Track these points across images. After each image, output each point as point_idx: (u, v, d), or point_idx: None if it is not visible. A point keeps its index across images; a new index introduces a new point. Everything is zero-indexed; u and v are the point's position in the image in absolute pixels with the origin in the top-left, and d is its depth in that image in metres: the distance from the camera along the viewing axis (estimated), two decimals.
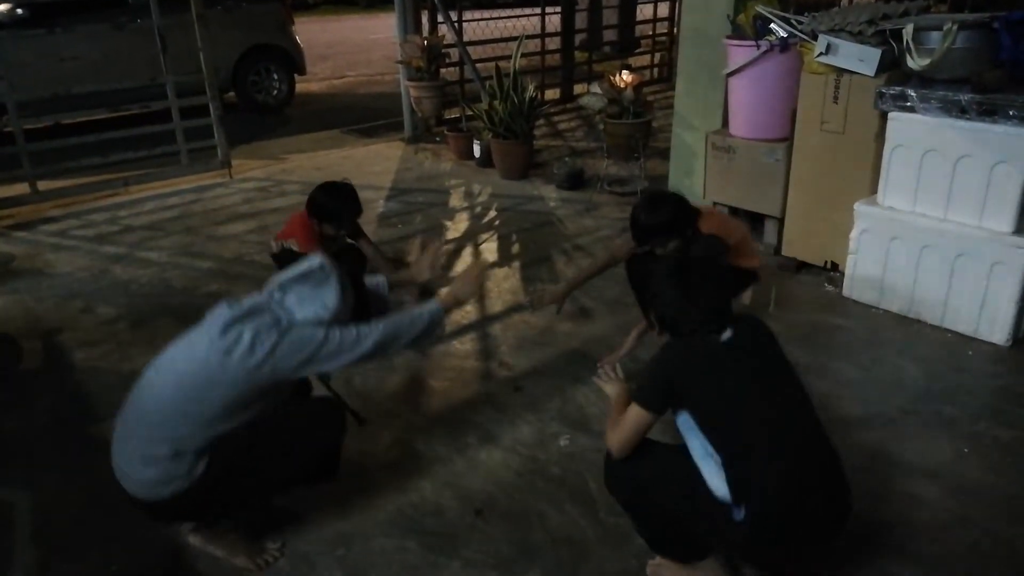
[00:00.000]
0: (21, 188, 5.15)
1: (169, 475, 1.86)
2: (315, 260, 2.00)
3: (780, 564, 1.89)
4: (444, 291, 2.09)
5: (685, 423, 1.80)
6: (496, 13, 7.87)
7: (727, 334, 1.80)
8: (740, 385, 1.75)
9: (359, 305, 2.15)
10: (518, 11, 8.03)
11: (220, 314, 1.92)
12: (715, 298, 1.85)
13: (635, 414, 1.81)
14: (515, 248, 4.38)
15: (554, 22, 8.06)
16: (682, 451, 1.81)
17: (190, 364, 1.88)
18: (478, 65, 6.61)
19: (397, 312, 2.15)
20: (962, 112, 3.02)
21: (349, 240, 3.62)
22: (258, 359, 1.85)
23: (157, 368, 1.94)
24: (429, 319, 2.15)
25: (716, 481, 1.73)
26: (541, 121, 7.05)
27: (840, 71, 3.42)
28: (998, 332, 3.08)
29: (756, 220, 4.18)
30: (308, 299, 1.94)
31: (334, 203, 3.33)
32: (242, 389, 1.87)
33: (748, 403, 1.73)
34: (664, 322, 1.91)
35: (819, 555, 1.89)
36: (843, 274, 3.54)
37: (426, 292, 3.50)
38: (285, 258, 3.33)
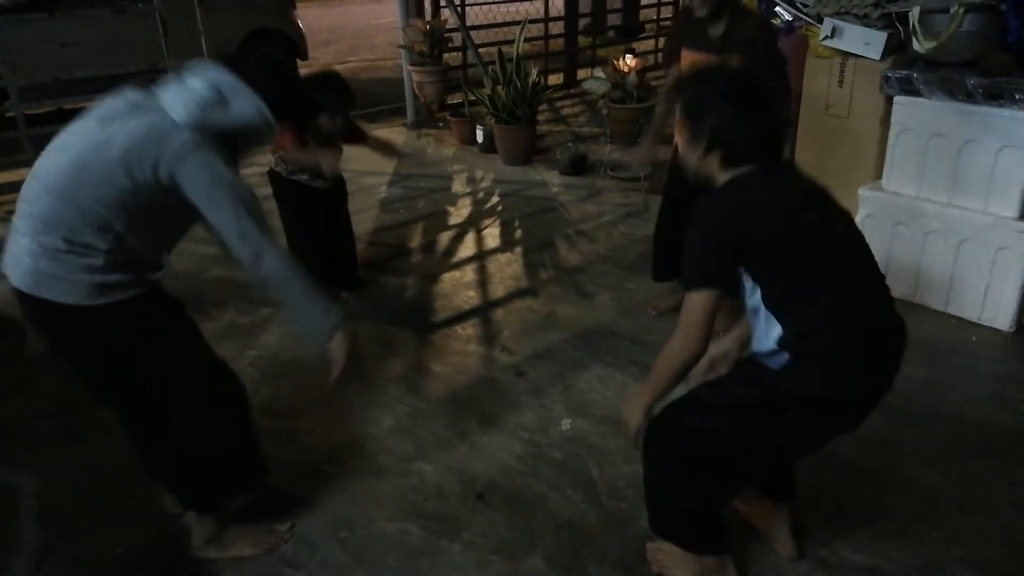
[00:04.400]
0: (23, 173, 5.13)
1: (70, 269, 1.67)
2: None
3: (820, 423, 1.70)
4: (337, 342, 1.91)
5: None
6: None
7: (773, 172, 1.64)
8: (800, 218, 1.59)
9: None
10: None
11: (124, 100, 1.80)
12: (774, 125, 1.70)
13: (699, 301, 1.58)
14: (518, 234, 4.37)
15: (557, 6, 8.00)
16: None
17: (83, 139, 1.76)
18: (481, 50, 6.57)
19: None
20: (968, 96, 3.00)
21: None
22: (152, 147, 1.68)
23: (53, 147, 1.82)
24: (313, 317, 1.85)
25: (762, 337, 1.63)
26: (544, 106, 7.02)
27: (845, 55, 3.40)
28: (1002, 318, 3.07)
29: None
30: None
31: (320, 93, 3.04)
32: (129, 178, 1.66)
33: (808, 236, 1.59)
34: (717, 144, 1.64)
35: (857, 417, 1.73)
36: None
37: None
38: (280, 182, 3.28)
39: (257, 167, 3.39)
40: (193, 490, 2.03)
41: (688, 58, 2.92)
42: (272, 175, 3.28)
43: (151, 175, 1.68)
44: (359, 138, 3.39)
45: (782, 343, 1.60)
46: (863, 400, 1.68)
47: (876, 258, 1.70)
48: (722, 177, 1.67)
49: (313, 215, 3.28)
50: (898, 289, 3.35)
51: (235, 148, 1.82)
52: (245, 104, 1.76)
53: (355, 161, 3.51)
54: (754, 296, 1.64)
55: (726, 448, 1.74)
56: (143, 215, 1.73)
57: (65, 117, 6.20)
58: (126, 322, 1.77)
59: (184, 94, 1.76)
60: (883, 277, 1.71)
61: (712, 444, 1.73)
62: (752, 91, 1.69)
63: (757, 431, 1.70)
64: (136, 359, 1.80)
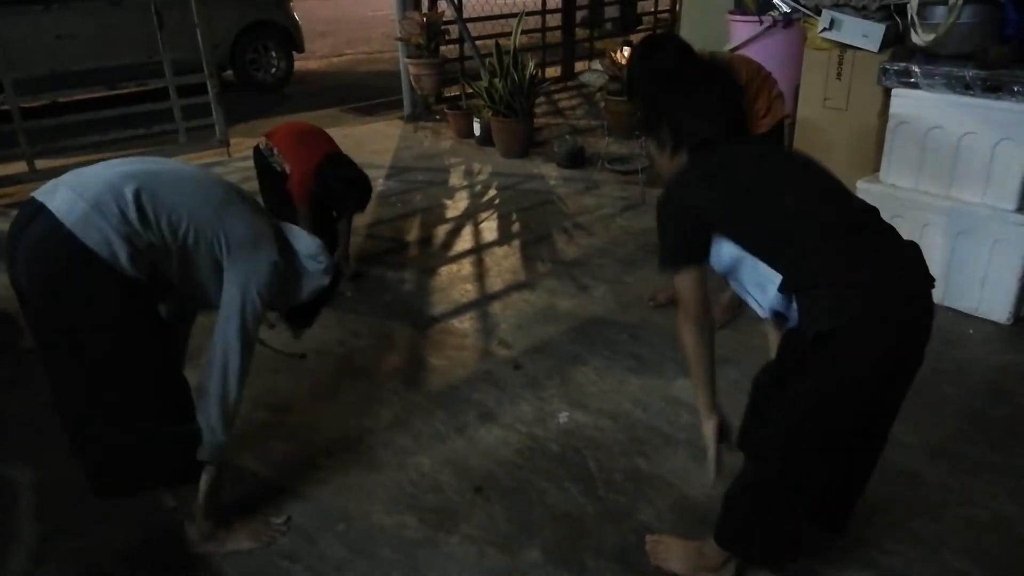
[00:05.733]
0: (19, 166, 5.12)
1: (117, 232, 1.72)
2: (323, 259, 2.09)
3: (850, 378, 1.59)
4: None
5: (725, 253, 1.64)
6: None
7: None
8: (768, 175, 1.62)
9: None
10: None
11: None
12: (730, 104, 1.70)
13: (685, 280, 1.66)
14: (515, 227, 4.36)
15: None
16: None
17: (218, 179, 1.98)
18: (478, 42, 6.55)
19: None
20: (967, 88, 2.99)
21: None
22: (249, 236, 1.90)
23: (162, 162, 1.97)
24: (211, 428, 1.92)
25: (764, 293, 1.61)
26: (541, 99, 7.00)
27: (844, 47, 3.39)
28: (999, 310, 3.08)
29: None
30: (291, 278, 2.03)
31: (346, 194, 3.33)
32: (216, 227, 1.85)
33: (783, 190, 1.60)
34: (675, 134, 1.70)
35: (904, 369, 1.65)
36: None
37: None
38: (263, 164, 3.37)
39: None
40: (103, 473, 1.97)
41: None
42: (256, 152, 3.39)
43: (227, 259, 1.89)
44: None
45: (783, 288, 1.55)
46: (893, 319, 1.54)
47: None
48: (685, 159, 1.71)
49: (288, 199, 3.31)
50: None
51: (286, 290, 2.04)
52: (324, 279, 2.10)
53: (351, 153, 3.50)
54: (736, 252, 1.61)
55: (819, 432, 1.64)
56: (196, 259, 1.88)
57: (61, 110, 6.17)
58: (117, 292, 1.76)
59: (299, 239, 2.07)
60: (853, 196, 1.67)
61: (805, 433, 1.65)
62: (699, 66, 1.75)
63: (825, 404, 1.60)
64: (106, 329, 1.79)
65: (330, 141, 3.48)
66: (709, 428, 1.78)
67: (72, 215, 1.71)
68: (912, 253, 1.61)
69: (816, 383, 1.59)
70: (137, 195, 1.76)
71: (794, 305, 1.57)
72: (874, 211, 1.65)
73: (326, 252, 2.11)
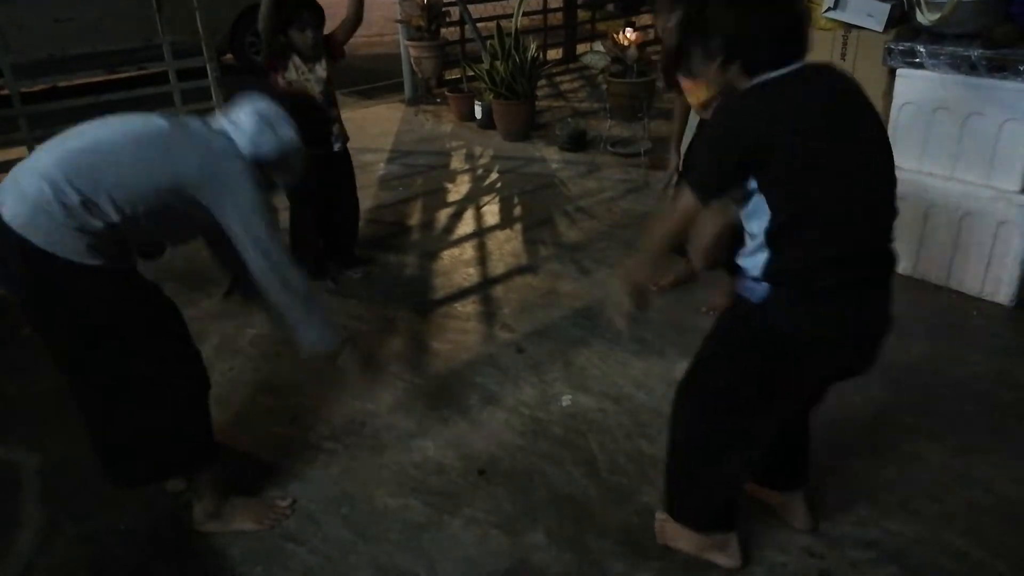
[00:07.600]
0: (19, 152, 5.09)
1: (68, 222, 1.66)
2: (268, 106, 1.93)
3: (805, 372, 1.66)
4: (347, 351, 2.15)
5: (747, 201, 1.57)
6: None
7: (798, 65, 1.52)
8: (824, 135, 1.51)
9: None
10: None
11: (188, 119, 1.89)
12: (790, 19, 1.54)
13: (688, 203, 1.58)
14: (517, 210, 4.35)
15: None
16: None
17: (149, 127, 1.81)
18: (479, 24, 6.50)
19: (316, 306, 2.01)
20: (972, 68, 2.96)
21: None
22: (207, 165, 1.79)
23: (113, 120, 1.85)
24: (322, 333, 2.01)
25: (750, 258, 1.59)
26: (543, 81, 6.96)
27: (848, 27, 3.36)
28: (1003, 292, 3.07)
29: None
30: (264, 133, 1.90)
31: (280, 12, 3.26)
32: (173, 180, 1.76)
33: (832, 154, 1.51)
34: (727, 51, 1.54)
35: (848, 369, 1.72)
36: None
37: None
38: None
39: None
40: (125, 464, 1.97)
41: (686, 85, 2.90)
42: None
43: (193, 196, 1.80)
44: (335, 48, 3.54)
45: (766, 273, 1.55)
46: (852, 340, 1.63)
47: None
48: (745, 85, 1.56)
49: (309, 183, 3.28)
50: (899, 265, 3.34)
51: (270, 173, 1.96)
52: (286, 131, 1.93)
53: (352, 138, 3.49)
54: (755, 220, 1.56)
55: (741, 406, 1.69)
56: (166, 214, 1.80)
57: (60, 95, 6.12)
58: (97, 288, 1.75)
59: (239, 125, 1.91)
60: (895, 211, 1.68)
61: (728, 403, 1.70)
62: None
63: (764, 380, 1.65)
64: (103, 327, 1.78)
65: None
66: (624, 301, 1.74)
67: (17, 219, 1.67)
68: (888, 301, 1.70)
69: (747, 366, 1.65)
70: (75, 183, 1.68)
71: (765, 285, 1.56)
72: (890, 234, 1.72)
73: (272, 108, 1.94)
